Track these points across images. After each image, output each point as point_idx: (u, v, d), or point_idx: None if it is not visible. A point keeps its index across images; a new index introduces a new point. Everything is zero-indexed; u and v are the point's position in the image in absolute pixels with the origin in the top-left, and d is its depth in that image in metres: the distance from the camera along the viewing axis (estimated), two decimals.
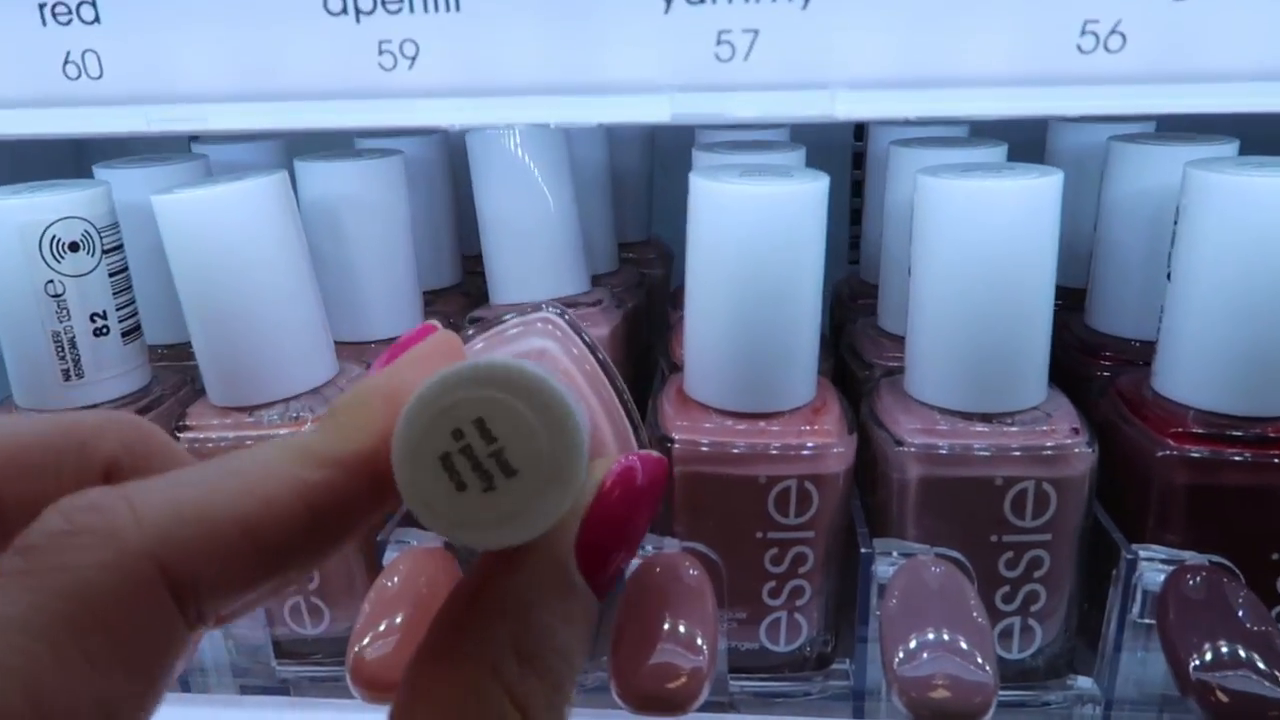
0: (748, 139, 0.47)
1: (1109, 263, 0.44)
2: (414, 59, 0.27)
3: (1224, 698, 0.30)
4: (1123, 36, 0.25)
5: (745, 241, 0.34)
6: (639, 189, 0.61)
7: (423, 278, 0.48)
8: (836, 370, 0.50)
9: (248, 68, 0.27)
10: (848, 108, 0.26)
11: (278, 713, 0.38)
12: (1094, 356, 0.44)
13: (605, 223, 0.52)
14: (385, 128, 0.30)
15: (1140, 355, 0.42)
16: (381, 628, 0.33)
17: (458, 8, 0.26)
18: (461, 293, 0.54)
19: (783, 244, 0.34)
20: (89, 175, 0.43)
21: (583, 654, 0.23)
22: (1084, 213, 0.47)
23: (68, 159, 0.60)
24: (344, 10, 0.26)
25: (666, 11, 0.26)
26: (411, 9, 0.26)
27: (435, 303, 0.51)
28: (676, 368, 0.44)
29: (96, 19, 0.27)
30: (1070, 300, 0.49)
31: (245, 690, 0.40)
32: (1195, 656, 0.31)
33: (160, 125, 0.28)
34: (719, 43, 0.26)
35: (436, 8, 0.26)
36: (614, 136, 0.54)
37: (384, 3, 0.26)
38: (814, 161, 0.48)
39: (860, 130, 0.65)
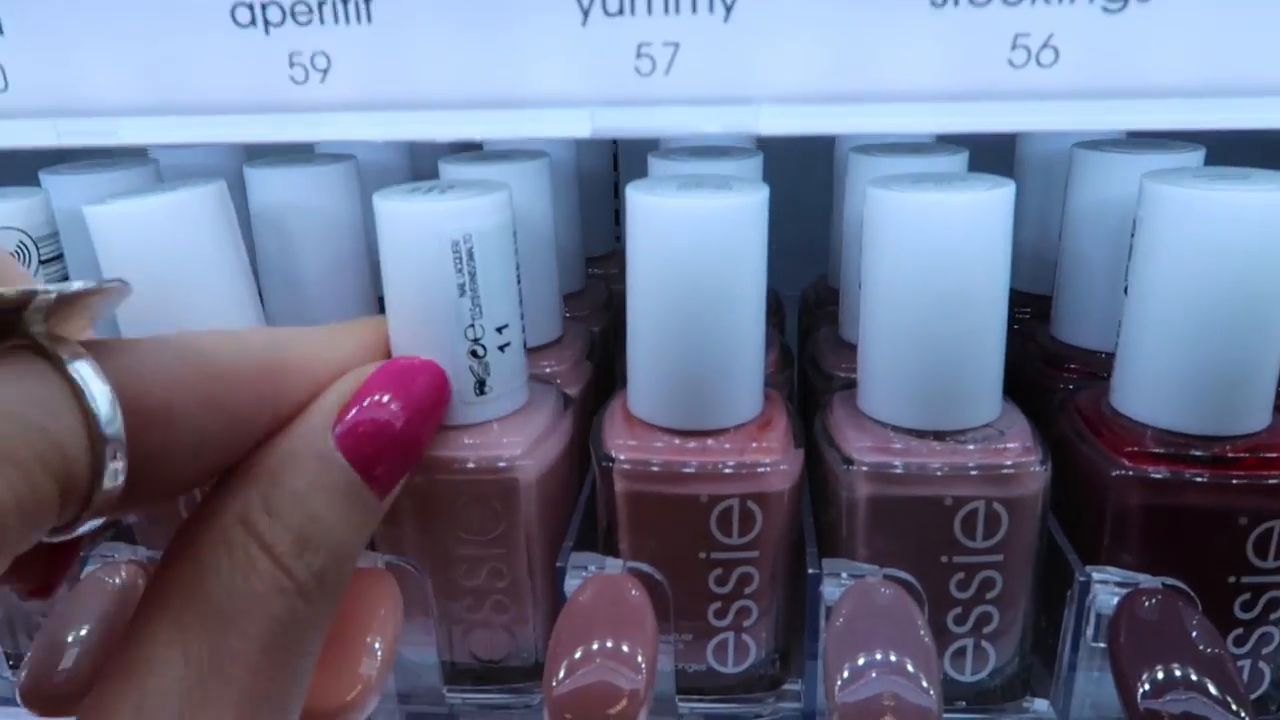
0: (708, 144, 0.46)
1: (1073, 273, 0.43)
2: (325, 72, 0.26)
3: None
4: (1055, 51, 0.24)
5: (682, 257, 0.33)
6: (603, 198, 0.60)
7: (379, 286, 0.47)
8: (800, 377, 0.49)
9: (158, 81, 0.26)
10: (772, 123, 0.25)
11: None
12: (1058, 368, 0.43)
13: (574, 237, 0.51)
14: (296, 142, 0.29)
15: (1105, 367, 0.41)
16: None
17: (369, 19, 0.25)
18: None
19: (720, 259, 0.33)
20: (36, 182, 0.42)
21: (355, 543, 0.26)
22: (1052, 218, 0.46)
23: (15, 166, 0.59)
24: (252, 22, 0.25)
25: (584, 24, 0.25)
26: (321, 20, 0.25)
27: None
28: None
29: (0, 31, 0.26)
30: (1037, 308, 0.48)
31: None
32: (1145, 684, 0.30)
33: (70, 139, 0.27)
34: (639, 56, 0.25)
35: (348, 19, 0.25)
36: (579, 143, 0.53)
37: (293, 14, 0.25)
38: (788, 165, 0.48)
39: None
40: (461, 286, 0.34)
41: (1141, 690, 0.30)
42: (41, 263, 0.37)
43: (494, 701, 0.39)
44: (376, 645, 0.33)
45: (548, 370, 0.43)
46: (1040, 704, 0.37)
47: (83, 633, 0.34)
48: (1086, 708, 0.36)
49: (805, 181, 0.52)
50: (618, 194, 0.60)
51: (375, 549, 0.36)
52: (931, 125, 0.25)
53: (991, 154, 0.44)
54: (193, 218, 0.36)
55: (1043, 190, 0.48)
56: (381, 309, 0.49)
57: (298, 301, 0.43)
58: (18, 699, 0.32)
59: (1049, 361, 0.43)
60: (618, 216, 0.62)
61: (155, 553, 0.36)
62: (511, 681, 0.38)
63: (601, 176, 0.59)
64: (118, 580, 0.35)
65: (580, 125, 0.26)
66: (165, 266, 0.35)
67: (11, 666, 0.40)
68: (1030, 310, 0.49)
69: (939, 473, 0.34)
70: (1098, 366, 0.42)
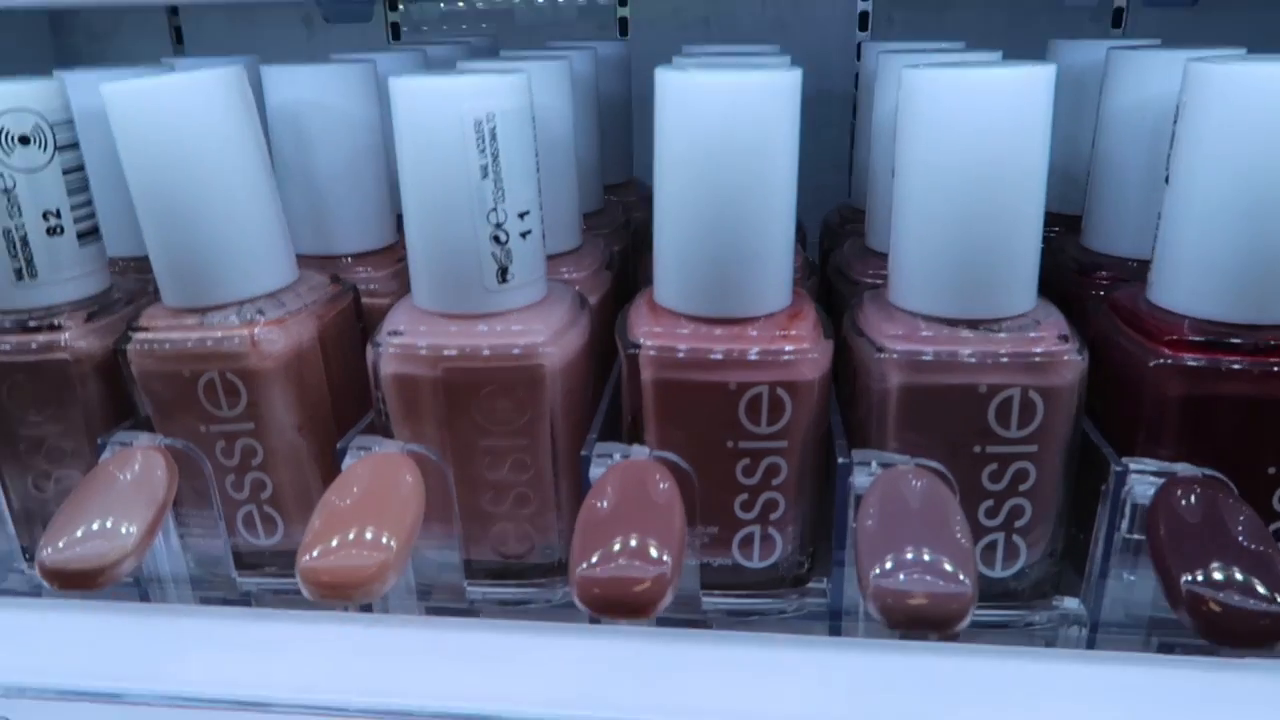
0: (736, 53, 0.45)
1: (1107, 178, 0.42)
2: None
3: (1217, 609, 0.29)
4: None
5: (714, 134, 0.32)
6: (619, 127, 0.59)
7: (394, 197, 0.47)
8: (821, 293, 0.48)
9: None
10: None
11: (240, 623, 0.37)
12: (1090, 276, 0.42)
13: (592, 153, 0.50)
14: None
15: (1137, 275, 0.40)
16: (334, 530, 0.32)
17: None
18: None
19: (753, 136, 0.32)
20: None
21: None
22: (1082, 136, 0.45)
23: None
24: None
25: None
26: None
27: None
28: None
29: None
30: (1066, 226, 0.47)
31: (206, 603, 0.39)
32: (1186, 569, 0.30)
33: None
34: None
35: None
36: (599, 62, 0.52)
37: None
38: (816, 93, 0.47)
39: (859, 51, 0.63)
40: (484, 168, 0.33)
41: (1185, 578, 0.30)
42: (57, 148, 0.36)
43: (515, 597, 0.38)
44: (397, 523, 0.32)
45: (566, 276, 0.43)
46: (1070, 602, 0.36)
47: (100, 510, 0.33)
48: (1118, 607, 0.35)
49: (823, 124, 0.51)
50: (631, 126, 0.60)
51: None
52: None
53: None
54: (211, 96, 0.35)
55: (1071, 105, 0.47)
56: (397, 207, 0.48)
57: (312, 198, 0.43)
58: (37, 573, 0.32)
59: (1081, 271, 0.42)
60: (632, 147, 0.61)
61: (172, 441, 0.36)
62: (532, 577, 0.38)
63: (620, 103, 0.58)
64: (136, 465, 0.35)
65: None
66: (183, 145, 0.35)
67: (28, 559, 0.40)
68: (1060, 228, 0.48)
69: (971, 359, 0.33)
70: (1128, 274, 0.41)
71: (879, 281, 0.42)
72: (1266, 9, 0.69)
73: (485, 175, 0.33)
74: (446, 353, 0.34)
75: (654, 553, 0.30)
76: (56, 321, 0.37)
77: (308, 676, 0.33)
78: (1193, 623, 0.29)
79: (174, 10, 0.87)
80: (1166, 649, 0.35)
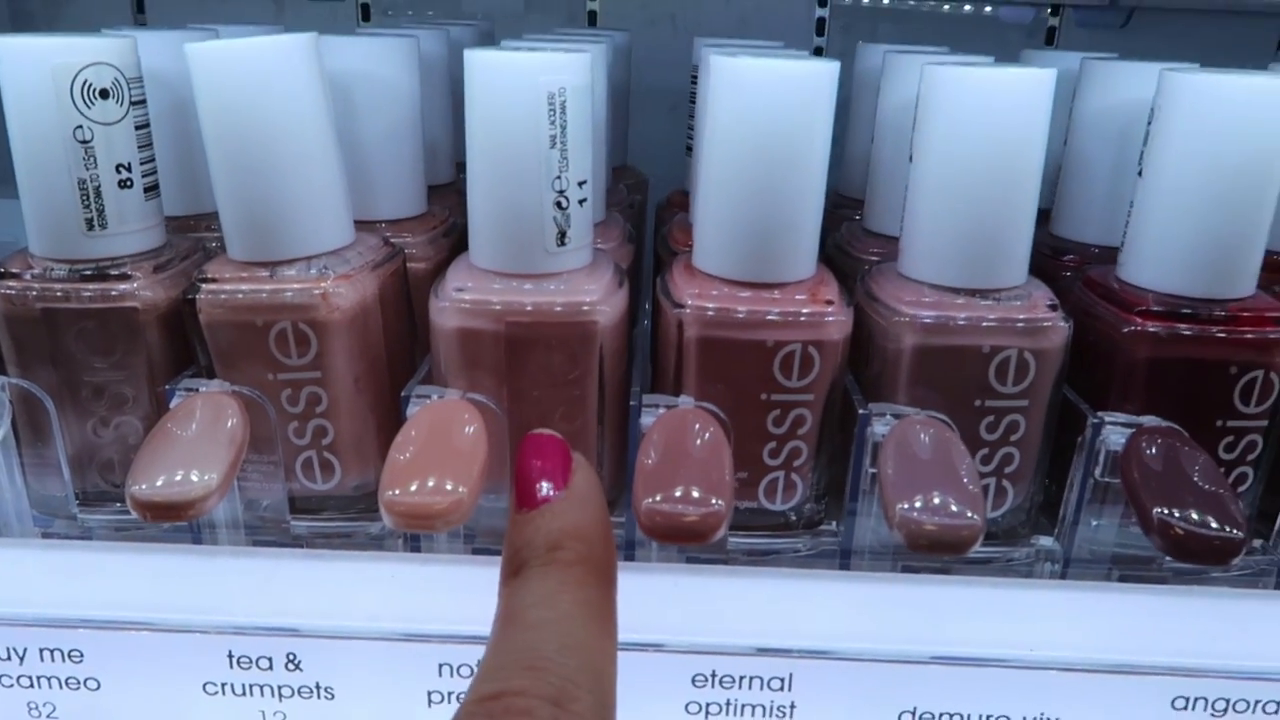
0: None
1: (1077, 173, 0.47)
2: None
3: (1181, 533, 0.34)
4: None
5: (761, 116, 0.36)
6: (617, 114, 0.62)
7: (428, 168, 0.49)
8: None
9: None
10: None
11: (292, 563, 0.39)
12: (1059, 259, 0.47)
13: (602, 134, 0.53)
14: None
15: (1099, 258, 0.46)
16: (410, 468, 0.34)
17: None
18: (457, 191, 0.55)
19: (797, 120, 0.36)
20: None
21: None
22: (1051, 136, 0.51)
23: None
24: None
25: None
26: None
27: (433, 198, 0.52)
28: (674, 254, 0.46)
29: None
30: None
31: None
32: (1156, 502, 0.35)
33: None
34: None
35: None
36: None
37: None
38: None
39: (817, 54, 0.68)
40: (553, 138, 0.37)
41: (1156, 509, 0.35)
42: (132, 103, 0.38)
43: None
44: (469, 463, 0.35)
45: (599, 246, 0.46)
46: (1045, 540, 0.42)
47: (184, 450, 0.35)
48: (1085, 547, 0.41)
49: None
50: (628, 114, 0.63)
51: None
52: None
53: None
54: (288, 59, 0.37)
55: None
56: (460, 173, 0.50)
57: (355, 164, 0.45)
58: (129, 505, 0.33)
59: (1053, 254, 0.48)
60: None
61: (239, 387, 0.38)
62: None
63: (617, 95, 0.62)
64: (212, 409, 0.37)
65: None
66: (262, 103, 0.37)
67: (81, 503, 0.41)
68: None
69: (978, 323, 0.38)
70: (1092, 258, 0.47)
71: (876, 259, 0.47)
72: (1183, 36, 0.77)
73: (553, 145, 0.37)
74: (515, 307, 0.37)
75: (712, 489, 0.34)
76: (126, 271, 0.38)
77: (372, 608, 0.36)
78: (1162, 544, 0.34)
79: None
80: (1125, 579, 0.41)
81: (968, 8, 0.84)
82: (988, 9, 0.84)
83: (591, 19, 0.86)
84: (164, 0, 0.86)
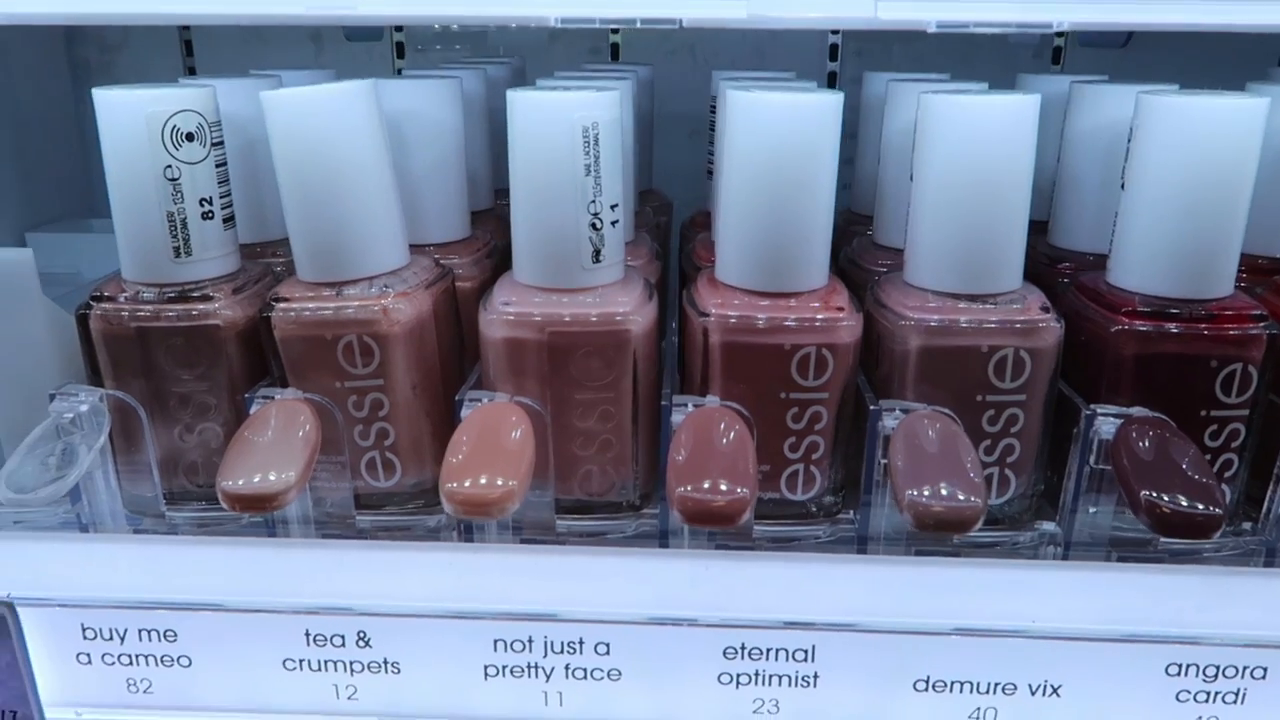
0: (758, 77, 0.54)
1: (1069, 187, 0.51)
2: None
3: (1168, 512, 0.37)
4: None
5: (774, 144, 0.40)
6: (642, 141, 0.67)
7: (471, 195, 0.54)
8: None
9: None
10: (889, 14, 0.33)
11: (359, 552, 0.43)
12: (1056, 266, 0.51)
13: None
14: None
15: (1093, 265, 0.49)
16: (466, 464, 0.39)
17: None
18: (497, 216, 0.59)
19: (805, 146, 0.41)
20: None
21: None
22: (1045, 154, 0.54)
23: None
24: None
25: None
26: None
27: (475, 223, 0.57)
28: (698, 269, 0.50)
29: None
30: (1032, 229, 0.56)
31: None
32: (1144, 485, 0.38)
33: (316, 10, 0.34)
34: None
35: None
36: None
37: None
38: None
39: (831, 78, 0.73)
40: (588, 167, 0.41)
41: (1142, 490, 0.38)
42: (213, 144, 0.43)
43: (595, 529, 0.45)
44: (518, 458, 0.39)
45: (630, 263, 0.50)
46: (1048, 525, 0.45)
47: (265, 451, 0.39)
48: (1085, 531, 0.44)
49: None
50: (652, 143, 0.67)
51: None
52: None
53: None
54: (352, 104, 0.42)
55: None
56: (498, 200, 0.55)
57: (407, 193, 0.49)
58: (220, 498, 0.38)
59: (1050, 262, 0.52)
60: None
61: (310, 395, 0.42)
62: (610, 512, 0.45)
63: (642, 122, 0.66)
64: (288, 415, 0.41)
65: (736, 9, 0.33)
66: (328, 144, 0.41)
67: (168, 502, 0.45)
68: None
69: (980, 325, 0.42)
70: (1087, 265, 0.50)
71: (885, 269, 0.51)
72: (1182, 52, 0.80)
73: (588, 173, 0.41)
74: (555, 319, 0.42)
75: (737, 478, 0.37)
76: (209, 293, 0.43)
77: (432, 590, 0.40)
78: (1149, 522, 0.38)
79: (185, 26, 0.92)
80: (1123, 561, 0.44)
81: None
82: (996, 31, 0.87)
83: (614, 51, 0.90)
84: (210, 46, 0.91)
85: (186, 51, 0.92)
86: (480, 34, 0.92)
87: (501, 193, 0.57)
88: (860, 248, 0.54)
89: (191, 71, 0.91)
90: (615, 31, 0.90)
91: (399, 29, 0.92)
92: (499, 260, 0.53)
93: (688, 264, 0.54)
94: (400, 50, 0.92)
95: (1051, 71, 0.86)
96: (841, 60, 0.88)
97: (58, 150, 0.85)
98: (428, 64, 0.88)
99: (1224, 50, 0.83)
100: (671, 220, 0.71)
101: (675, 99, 0.80)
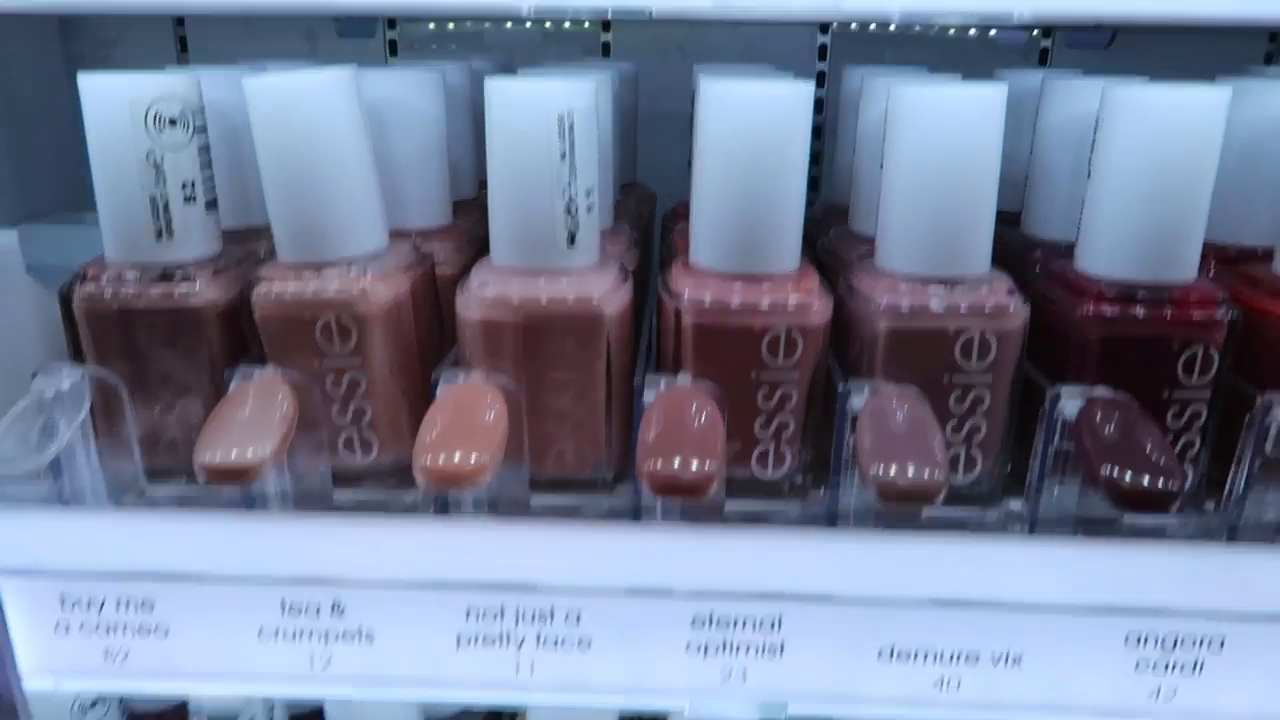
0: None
1: (1041, 178, 0.52)
2: None
3: (1125, 486, 0.38)
4: None
5: (746, 130, 0.41)
6: (626, 136, 0.67)
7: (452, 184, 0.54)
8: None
9: None
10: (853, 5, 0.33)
11: (335, 524, 0.44)
12: (1029, 254, 0.52)
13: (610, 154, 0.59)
14: None
15: (1065, 253, 0.50)
16: (440, 438, 0.39)
17: None
18: (480, 206, 0.60)
19: (776, 133, 0.41)
20: None
21: None
22: (1019, 147, 0.55)
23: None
24: None
25: None
26: None
27: (458, 213, 0.58)
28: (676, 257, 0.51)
29: None
30: (1004, 219, 0.57)
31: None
32: (1104, 460, 0.39)
33: None
34: None
35: None
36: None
37: None
38: None
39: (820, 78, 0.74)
40: (563, 154, 0.42)
41: (1104, 468, 0.39)
42: (195, 130, 0.44)
43: (569, 505, 0.46)
44: (492, 433, 0.40)
45: (607, 249, 0.51)
46: (1015, 503, 0.46)
47: (243, 425, 0.40)
48: (1051, 510, 0.45)
49: None
50: (636, 136, 0.68)
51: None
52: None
53: None
54: (333, 92, 0.43)
55: (1011, 122, 0.57)
56: (480, 190, 0.55)
57: (389, 180, 0.50)
58: (197, 471, 0.38)
59: (1024, 250, 0.52)
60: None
61: (289, 372, 0.43)
62: (584, 490, 0.46)
63: (626, 114, 0.67)
64: (265, 391, 0.42)
65: None
66: (309, 129, 0.42)
67: (149, 479, 0.46)
68: (1000, 220, 0.58)
69: (949, 309, 0.42)
70: (1058, 253, 0.51)
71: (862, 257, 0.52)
72: (1167, 54, 0.81)
73: (563, 158, 0.42)
74: (530, 301, 0.42)
75: (706, 453, 0.38)
76: (189, 274, 0.44)
77: (406, 560, 0.40)
78: (1108, 496, 0.38)
79: (180, 20, 0.93)
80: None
81: (972, 31, 0.88)
82: (991, 32, 0.87)
83: (605, 50, 0.91)
84: (205, 40, 0.92)
85: (181, 48, 0.93)
86: (474, 34, 0.93)
87: (484, 183, 0.58)
88: (837, 237, 0.55)
89: None
90: (607, 29, 0.91)
91: (392, 25, 0.93)
92: (480, 248, 0.54)
93: (668, 253, 0.55)
94: (394, 48, 0.93)
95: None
96: (830, 60, 0.89)
97: (52, 144, 0.86)
98: (420, 62, 0.89)
99: (1209, 52, 0.84)
100: (655, 212, 0.72)
101: (664, 97, 0.81)
